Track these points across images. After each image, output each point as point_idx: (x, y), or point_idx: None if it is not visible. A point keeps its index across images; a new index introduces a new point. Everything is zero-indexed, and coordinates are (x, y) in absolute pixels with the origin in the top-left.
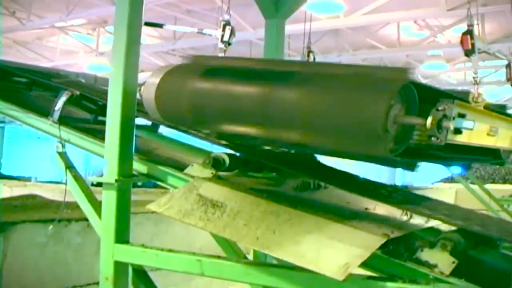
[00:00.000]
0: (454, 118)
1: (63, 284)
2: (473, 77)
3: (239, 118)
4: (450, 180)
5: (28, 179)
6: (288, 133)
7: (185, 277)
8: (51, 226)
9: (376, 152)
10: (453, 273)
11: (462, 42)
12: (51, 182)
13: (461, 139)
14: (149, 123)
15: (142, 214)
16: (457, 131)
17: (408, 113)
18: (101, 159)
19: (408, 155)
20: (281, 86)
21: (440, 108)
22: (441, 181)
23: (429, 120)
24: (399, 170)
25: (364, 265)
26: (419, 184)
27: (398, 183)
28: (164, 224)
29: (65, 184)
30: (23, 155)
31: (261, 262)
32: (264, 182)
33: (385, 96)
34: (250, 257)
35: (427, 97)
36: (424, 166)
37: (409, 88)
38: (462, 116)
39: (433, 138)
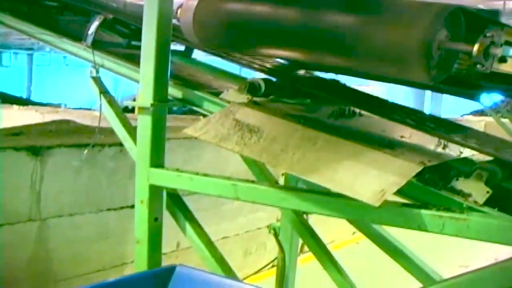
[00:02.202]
0: (501, 45)
1: (97, 207)
2: None
3: (281, 40)
4: (480, 113)
5: (58, 106)
6: (329, 55)
7: (215, 203)
8: (86, 151)
9: (418, 78)
10: (487, 203)
11: None
12: (80, 108)
13: (505, 67)
14: (182, 48)
15: (173, 140)
16: (502, 59)
17: (453, 40)
18: (129, 85)
19: (447, 83)
20: (324, 7)
21: (488, 35)
22: (470, 113)
23: (476, 46)
24: (427, 102)
25: (399, 192)
26: (448, 116)
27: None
28: (195, 150)
29: (99, 109)
30: (52, 83)
31: (296, 188)
32: (299, 108)
33: (431, 21)
34: (281, 183)
35: (472, 24)
36: (453, 97)
37: (456, 14)
38: (509, 44)
39: (478, 66)
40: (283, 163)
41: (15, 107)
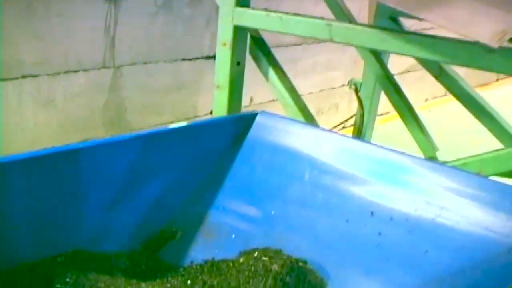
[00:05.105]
0: None
1: (172, 56)
2: None
3: None
4: None
5: None
6: None
7: (291, 58)
8: None
9: None
10: None
11: None
12: None
13: None
14: None
15: None
16: None
17: None
18: None
19: None
20: None
21: None
22: None
23: None
24: None
25: None
26: None
27: None
28: (275, 0)
29: None
30: None
31: (398, 29)
32: None
33: None
34: None
35: None
36: None
37: None
38: None
39: None
40: None
41: None
